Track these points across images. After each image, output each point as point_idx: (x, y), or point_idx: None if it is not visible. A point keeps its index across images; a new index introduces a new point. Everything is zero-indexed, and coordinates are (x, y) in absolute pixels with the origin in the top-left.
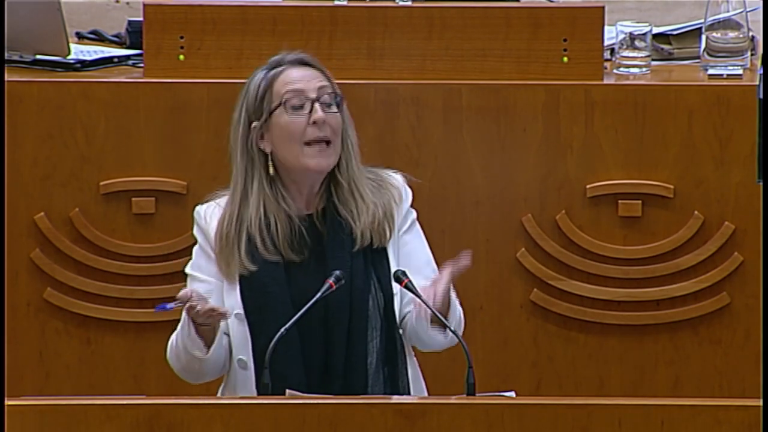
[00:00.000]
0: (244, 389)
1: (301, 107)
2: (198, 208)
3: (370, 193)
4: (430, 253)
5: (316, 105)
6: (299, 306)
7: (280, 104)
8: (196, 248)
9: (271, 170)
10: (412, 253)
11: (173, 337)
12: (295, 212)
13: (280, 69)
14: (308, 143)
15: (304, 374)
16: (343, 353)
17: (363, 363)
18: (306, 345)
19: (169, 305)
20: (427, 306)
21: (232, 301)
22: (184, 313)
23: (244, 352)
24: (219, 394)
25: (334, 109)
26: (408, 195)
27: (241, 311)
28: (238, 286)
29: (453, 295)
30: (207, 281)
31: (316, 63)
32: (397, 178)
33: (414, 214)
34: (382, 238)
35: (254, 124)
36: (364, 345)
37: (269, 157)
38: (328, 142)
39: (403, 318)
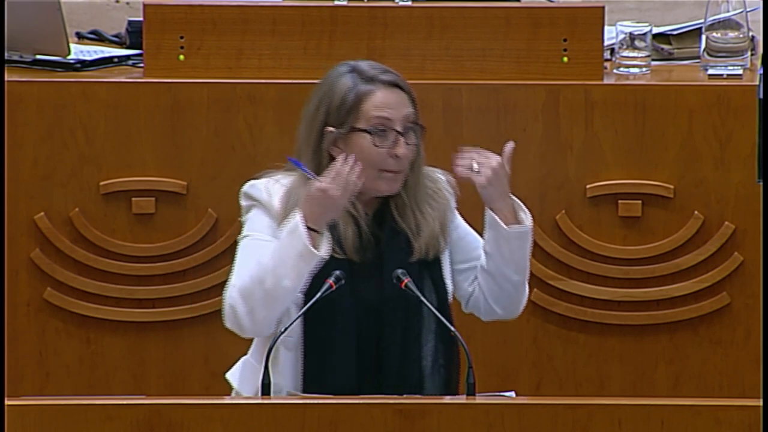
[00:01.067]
0: (285, 371)
1: (386, 136)
2: (253, 182)
3: (429, 209)
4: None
5: (401, 139)
6: (359, 303)
7: (365, 129)
8: (252, 215)
9: None
10: (463, 236)
11: (253, 271)
12: (359, 213)
13: (371, 88)
14: (384, 170)
15: (355, 374)
16: (397, 356)
17: (418, 365)
18: (360, 345)
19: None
20: (429, 307)
21: None
22: (286, 235)
23: (294, 331)
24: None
25: (414, 140)
26: (453, 198)
27: (300, 300)
28: None
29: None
30: (271, 240)
31: (405, 85)
32: (449, 180)
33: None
34: (437, 250)
35: (331, 129)
36: (419, 348)
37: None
38: (401, 171)
39: (470, 296)
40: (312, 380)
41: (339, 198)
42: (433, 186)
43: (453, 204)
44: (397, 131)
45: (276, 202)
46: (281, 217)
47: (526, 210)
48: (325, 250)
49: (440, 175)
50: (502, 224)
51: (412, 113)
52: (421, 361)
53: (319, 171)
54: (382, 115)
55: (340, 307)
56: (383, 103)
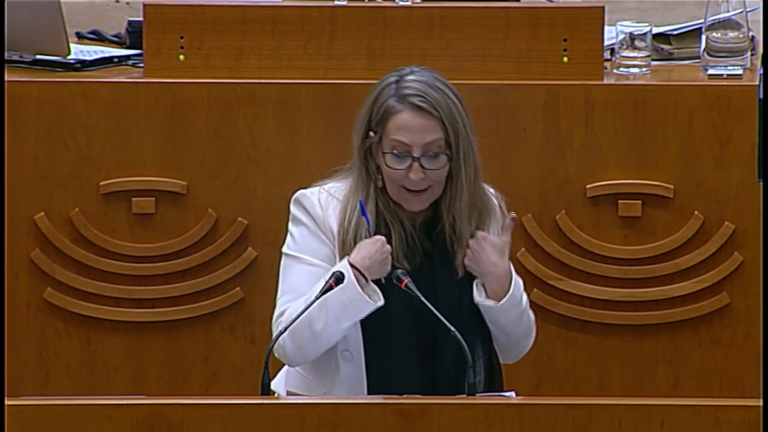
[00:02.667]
0: (347, 381)
1: (402, 159)
2: (305, 191)
3: (468, 228)
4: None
5: (415, 164)
6: (415, 311)
7: (383, 149)
8: (301, 231)
9: (380, 183)
10: None
11: (303, 305)
12: (406, 220)
13: (398, 107)
14: (404, 188)
15: (420, 378)
16: (452, 370)
17: (470, 369)
18: (420, 349)
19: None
20: (429, 307)
21: None
22: (330, 280)
23: (352, 344)
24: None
25: (441, 162)
26: (504, 211)
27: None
28: None
29: (513, 272)
30: (316, 264)
31: (439, 106)
32: (500, 204)
33: None
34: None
35: (372, 134)
36: (472, 363)
37: (379, 169)
38: (425, 189)
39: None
40: (377, 389)
41: (389, 251)
42: (488, 217)
43: (508, 220)
44: (414, 157)
45: (331, 214)
46: (338, 240)
47: (518, 281)
48: (377, 298)
49: (494, 199)
50: (484, 301)
51: (438, 139)
52: (475, 376)
53: (368, 174)
54: (399, 139)
55: (397, 315)
56: (404, 126)
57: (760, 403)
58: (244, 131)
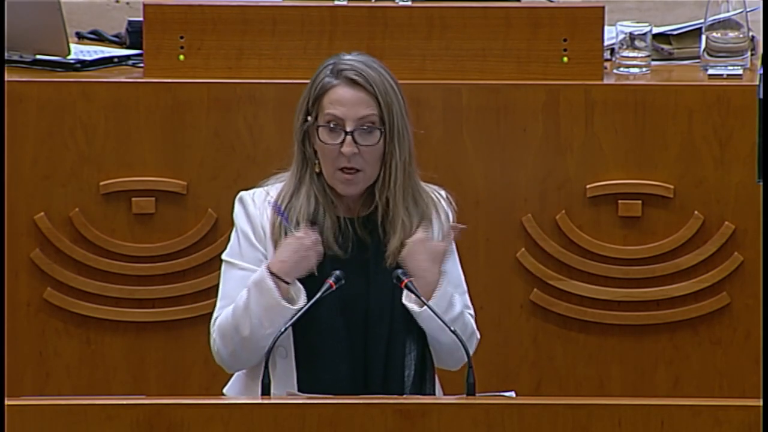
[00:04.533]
0: (280, 378)
1: (336, 134)
2: (244, 194)
3: (408, 215)
4: (461, 274)
5: (348, 138)
6: (345, 304)
7: (319, 123)
8: (236, 234)
9: (317, 168)
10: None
11: (230, 316)
12: (342, 212)
13: (333, 82)
14: (338, 169)
15: (348, 381)
16: (381, 363)
17: (401, 374)
18: (349, 354)
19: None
20: (430, 308)
21: None
22: (253, 287)
23: (284, 341)
24: (230, 387)
25: (374, 138)
26: (449, 213)
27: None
28: None
29: (453, 294)
30: (248, 269)
31: (375, 85)
32: (449, 197)
33: (452, 234)
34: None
35: (309, 118)
36: (402, 357)
37: (316, 153)
38: (358, 170)
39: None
40: (306, 387)
41: (313, 247)
42: (426, 210)
43: (447, 227)
44: (346, 131)
45: (269, 214)
46: (269, 231)
47: (447, 293)
48: (299, 301)
49: (441, 193)
50: (407, 303)
51: (372, 114)
52: (404, 370)
53: (305, 159)
54: (333, 112)
55: (327, 313)
56: (338, 100)
57: (760, 403)
58: (244, 131)
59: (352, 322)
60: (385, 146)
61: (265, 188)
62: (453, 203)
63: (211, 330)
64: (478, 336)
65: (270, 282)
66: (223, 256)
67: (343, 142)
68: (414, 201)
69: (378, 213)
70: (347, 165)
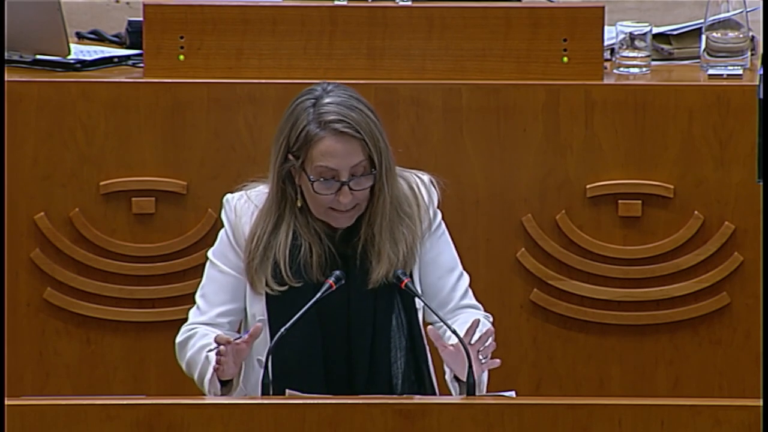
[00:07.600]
0: (257, 385)
1: (329, 185)
2: (229, 196)
3: (398, 234)
4: (457, 257)
5: (344, 188)
6: (325, 320)
7: (309, 176)
8: (222, 235)
9: (298, 203)
10: (433, 261)
11: (186, 353)
12: (326, 242)
13: (321, 134)
14: (331, 209)
15: (327, 392)
16: (365, 372)
17: (387, 383)
18: (329, 363)
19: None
20: (438, 316)
21: (256, 308)
22: (201, 380)
23: (263, 353)
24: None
25: (368, 182)
26: (433, 198)
27: (265, 317)
28: (264, 297)
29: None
30: (229, 274)
31: (360, 127)
32: (432, 181)
33: (439, 216)
34: (405, 269)
35: (291, 158)
36: (388, 366)
37: (300, 190)
38: (354, 207)
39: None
40: (265, 390)
41: (247, 347)
42: (408, 210)
43: (431, 213)
44: (342, 181)
45: (245, 222)
46: (245, 256)
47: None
48: (235, 390)
49: (424, 178)
50: (455, 390)
51: (363, 161)
52: (391, 380)
53: (284, 194)
54: (325, 165)
55: (304, 331)
56: (329, 152)
57: (760, 403)
58: (244, 131)
59: (336, 335)
60: (374, 183)
61: (249, 193)
62: (436, 187)
63: (182, 327)
64: (491, 317)
65: (217, 384)
66: (209, 253)
67: (339, 191)
68: (401, 220)
69: (360, 242)
70: (342, 208)
